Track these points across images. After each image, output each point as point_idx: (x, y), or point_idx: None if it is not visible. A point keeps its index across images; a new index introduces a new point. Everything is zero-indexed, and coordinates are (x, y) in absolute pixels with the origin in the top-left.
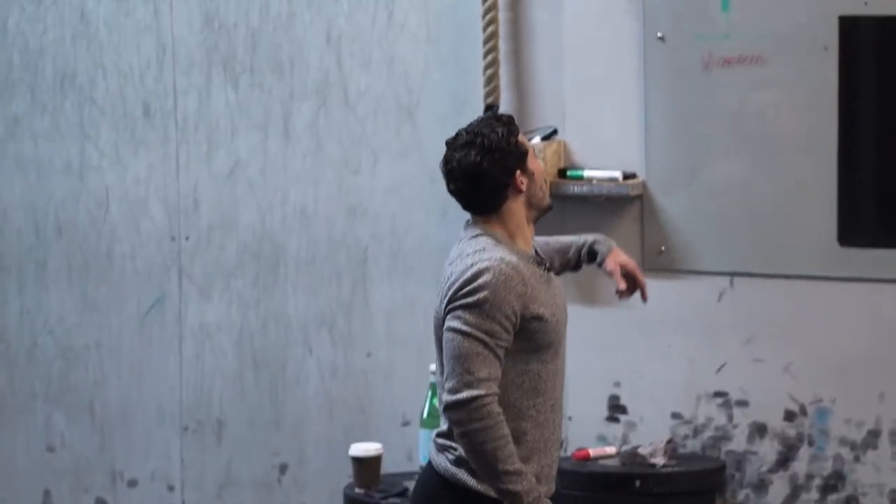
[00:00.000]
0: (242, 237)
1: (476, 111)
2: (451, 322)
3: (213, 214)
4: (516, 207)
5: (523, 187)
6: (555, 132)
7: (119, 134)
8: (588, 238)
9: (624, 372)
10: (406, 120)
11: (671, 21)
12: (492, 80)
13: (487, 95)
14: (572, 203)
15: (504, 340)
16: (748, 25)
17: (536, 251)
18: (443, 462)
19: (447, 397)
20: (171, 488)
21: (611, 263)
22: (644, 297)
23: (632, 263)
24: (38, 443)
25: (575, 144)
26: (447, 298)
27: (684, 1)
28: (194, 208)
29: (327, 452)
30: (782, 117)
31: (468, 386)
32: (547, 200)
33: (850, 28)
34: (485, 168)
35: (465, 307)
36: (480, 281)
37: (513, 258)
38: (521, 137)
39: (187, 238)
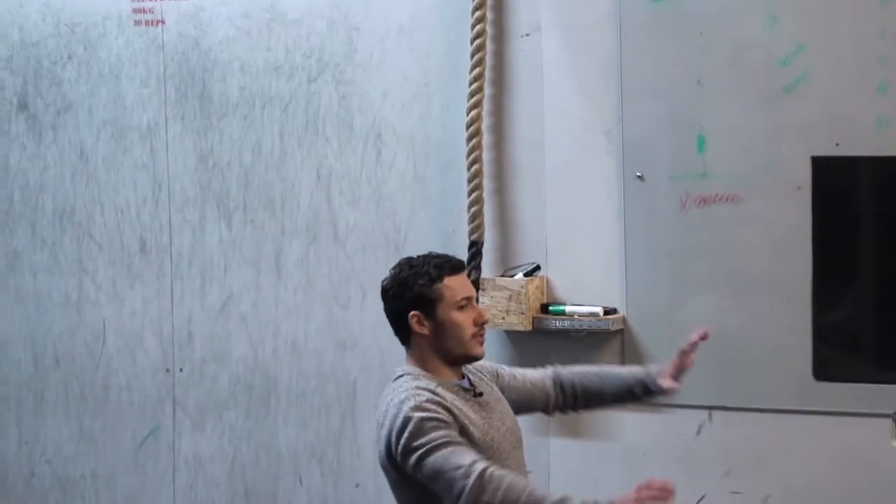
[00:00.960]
0: (235, 369)
1: (461, 247)
2: (413, 459)
3: (207, 347)
4: (424, 345)
5: (422, 330)
6: (537, 268)
7: (116, 268)
8: (638, 372)
9: None
10: (394, 256)
11: (649, 161)
12: (476, 218)
13: (472, 232)
14: (555, 337)
15: (459, 438)
16: (724, 165)
17: (469, 378)
18: None
19: (464, 501)
20: None
21: (666, 382)
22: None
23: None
24: None
25: (557, 280)
26: (398, 450)
27: (662, 142)
28: (188, 341)
29: None
30: (758, 255)
31: (467, 476)
32: (463, 351)
33: (823, 168)
34: (387, 298)
35: (410, 437)
36: (403, 416)
37: (430, 385)
38: (442, 286)
39: (181, 370)
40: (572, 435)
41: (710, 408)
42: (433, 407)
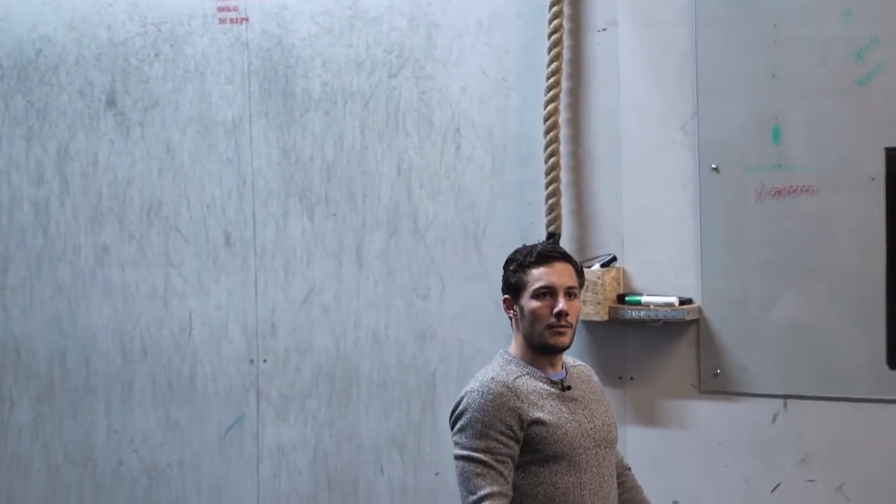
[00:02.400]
0: (317, 360)
1: (539, 239)
2: (453, 450)
3: (290, 338)
4: (516, 330)
5: (510, 313)
6: (614, 259)
7: (202, 261)
8: None
9: (682, 491)
10: (473, 248)
11: (724, 153)
12: (553, 210)
13: (549, 224)
14: (631, 327)
15: (505, 454)
16: (798, 157)
17: (566, 373)
18: None
19: None
20: None
21: None
22: None
23: None
24: None
25: (633, 271)
26: (451, 429)
27: (737, 134)
28: (272, 332)
29: None
30: (832, 245)
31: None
32: (540, 341)
33: None
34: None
35: (459, 431)
36: (464, 404)
37: (508, 376)
38: (526, 273)
39: (265, 361)
40: (649, 423)
41: (786, 397)
42: (493, 411)
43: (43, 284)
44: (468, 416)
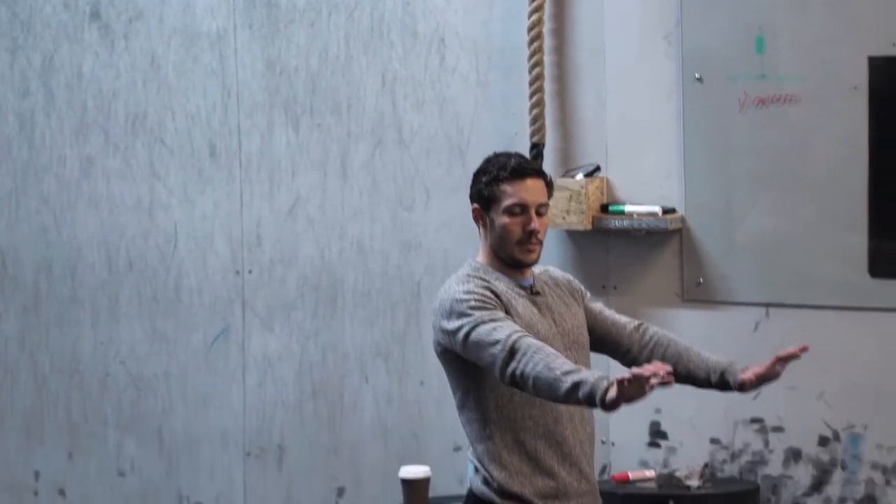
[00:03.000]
0: (302, 271)
1: (523, 150)
2: (460, 338)
3: (275, 249)
4: (485, 240)
5: (479, 223)
6: (597, 169)
7: (187, 173)
8: (722, 363)
9: (664, 399)
10: (457, 159)
11: (708, 63)
12: (537, 120)
13: (533, 134)
14: (614, 237)
15: (502, 317)
16: (782, 67)
17: (533, 280)
18: (475, 482)
19: (501, 375)
20: None
21: (748, 375)
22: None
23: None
24: (110, 468)
25: (617, 181)
26: (447, 331)
27: (721, 44)
28: (257, 243)
29: (382, 477)
30: (815, 154)
31: (503, 347)
32: (509, 255)
33: (880, 68)
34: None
35: (449, 316)
36: (447, 298)
37: (483, 274)
38: (499, 188)
39: (250, 272)
40: None
41: (768, 305)
42: (478, 289)
43: (28, 196)
44: (456, 300)
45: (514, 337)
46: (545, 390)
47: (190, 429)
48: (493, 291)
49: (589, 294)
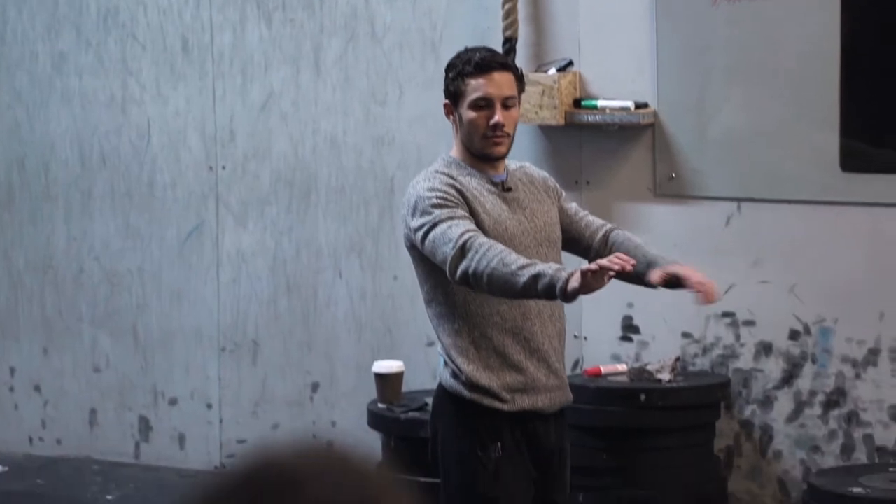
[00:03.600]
0: (276, 166)
1: (495, 44)
2: (419, 236)
3: (248, 145)
4: (456, 134)
5: (450, 118)
6: (570, 64)
7: (159, 68)
8: (656, 257)
9: (636, 293)
10: (430, 53)
11: None
12: (510, 15)
13: (506, 29)
14: (587, 131)
15: (464, 216)
16: None
17: (506, 175)
18: (444, 375)
19: (452, 274)
20: (209, 406)
21: (655, 275)
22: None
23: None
24: (86, 364)
25: (590, 76)
26: (410, 228)
27: None
28: (230, 139)
29: (356, 371)
30: (787, 49)
31: (454, 246)
32: (477, 149)
33: None
34: None
35: (413, 213)
36: (413, 194)
37: (452, 171)
38: (464, 83)
39: (224, 167)
40: None
41: (739, 199)
42: (443, 187)
43: (1, 92)
44: (419, 196)
45: (465, 236)
46: (500, 286)
47: (164, 324)
48: (458, 189)
49: (564, 193)
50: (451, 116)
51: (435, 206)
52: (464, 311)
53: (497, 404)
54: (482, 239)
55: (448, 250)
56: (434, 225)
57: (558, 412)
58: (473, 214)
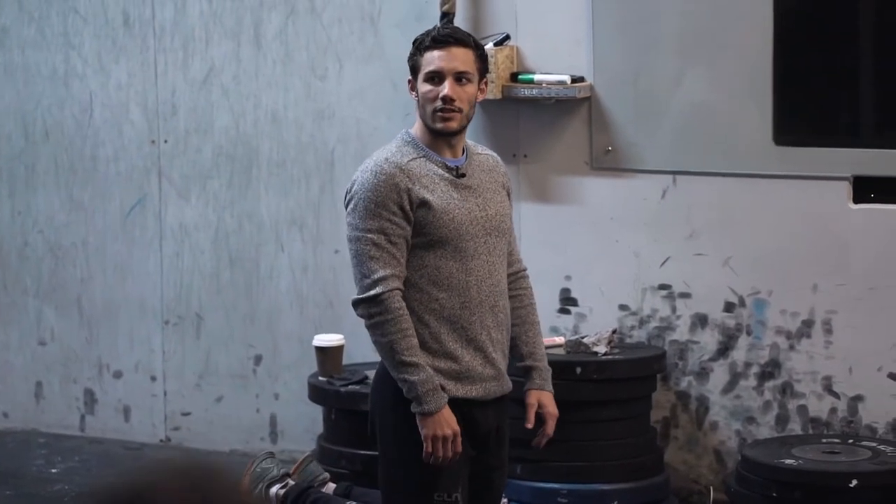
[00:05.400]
0: (218, 140)
1: (433, 19)
2: (346, 231)
3: (190, 119)
4: (417, 112)
5: (412, 95)
6: (507, 38)
7: (101, 42)
8: (538, 362)
9: (574, 266)
10: (369, 27)
11: None
12: None
13: (443, 3)
14: (525, 105)
15: (399, 235)
16: None
17: (464, 160)
18: None
19: (353, 297)
20: (153, 379)
21: (533, 398)
22: (538, 444)
23: (552, 412)
24: (31, 337)
25: (527, 49)
26: (344, 207)
27: None
28: (172, 113)
29: (299, 344)
30: (722, 22)
31: (366, 288)
32: (429, 123)
33: None
34: None
35: (351, 212)
36: (356, 187)
37: (403, 157)
38: (422, 56)
39: (166, 141)
40: (542, 200)
41: (675, 172)
42: (384, 191)
43: None
44: (360, 195)
45: (380, 288)
46: (383, 356)
47: (108, 297)
48: (400, 190)
49: (510, 192)
50: (413, 93)
51: (369, 214)
52: (407, 294)
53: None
54: (393, 303)
55: (361, 283)
56: (359, 238)
57: (498, 398)
58: (422, 204)
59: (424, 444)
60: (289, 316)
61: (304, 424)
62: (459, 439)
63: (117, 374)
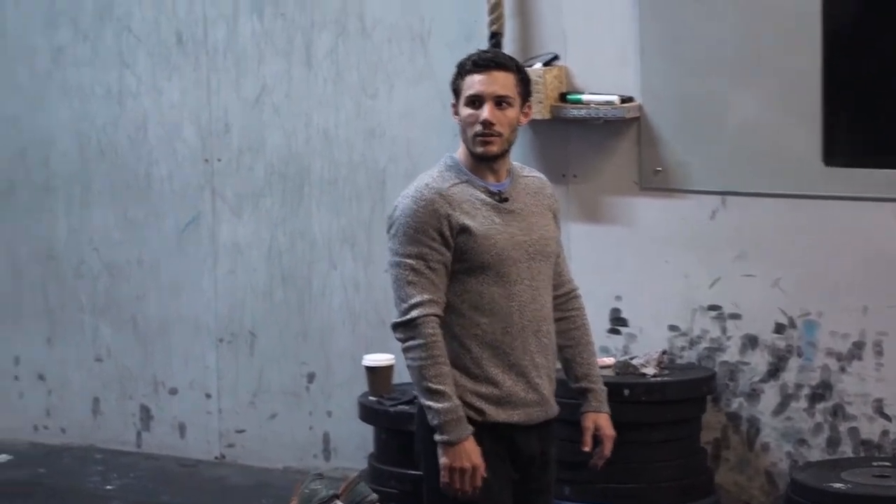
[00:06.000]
0: (270, 159)
1: (483, 39)
2: (389, 257)
3: (243, 137)
4: (461, 135)
5: (455, 119)
6: (556, 58)
7: (154, 61)
8: (593, 383)
9: (624, 286)
10: (419, 47)
11: None
12: (496, 9)
13: (492, 24)
14: (573, 126)
15: (438, 260)
16: None
17: (508, 183)
18: None
19: (393, 329)
20: (208, 396)
21: (589, 420)
22: (595, 465)
23: (609, 434)
24: (87, 354)
25: (575, 69)
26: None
27: None
28: (225, 131)
29: (351, 362)
30: (771, 42)
31: (403, 313)
32: (469, 148)
33: None
34: None
35: (392, 237)
36: (397, 212)
37: (444, 183)
38: (464, 80)
39: (219, 160)
40: (592, 220)
41: (724, 193)
42: (424, 217)
43: (1, 85)
44: (400, 221)
45: (417, 312)
46: (413, 383)
47: (163, 315)
48: (440, 216)
49: (558, 219)
50: (456, 116)
51: (409, 240)
52: (447, 319)
53: (472, 414)
54: (431, 329)
55: (399, 308)
56: (398, 266)
57: (541, 423)
58: (462, 231)
59: (441, 474)
60: (341, 334)
61: (356, 442)
62: (479, 473)
63: (173, 391)
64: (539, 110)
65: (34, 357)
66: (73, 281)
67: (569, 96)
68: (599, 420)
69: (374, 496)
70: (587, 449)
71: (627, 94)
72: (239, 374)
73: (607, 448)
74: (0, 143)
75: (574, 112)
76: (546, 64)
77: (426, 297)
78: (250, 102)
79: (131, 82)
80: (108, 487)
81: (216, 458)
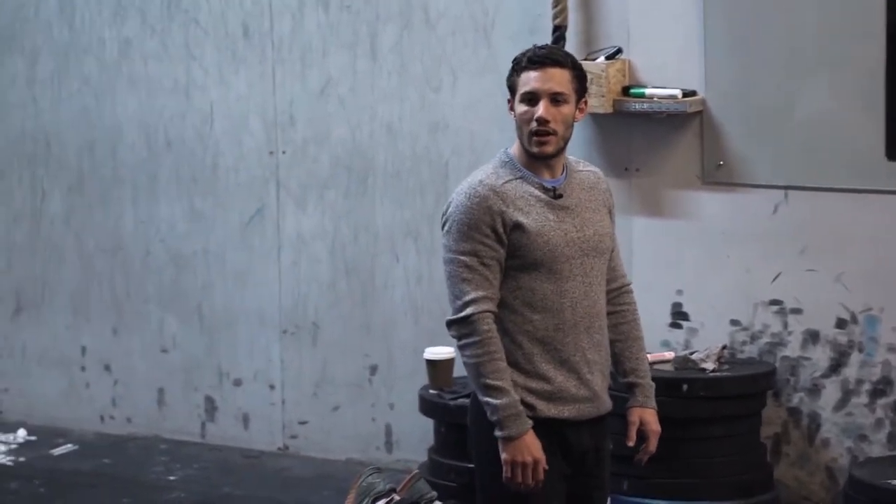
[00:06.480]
0: (334, 151)
1: (546, 32)
2: (443, 253)
3: (308, 129)
4: (517, 132)
5: (511, 115)
6: (619, 51)
7: (221, 53)
8: (641, 378)
9: (686, 280)
10: (482, 40)
11: None
12: (560, 2)
13: (556, 17)
14: (636, 120)
15: (491, 257)
16: None
17: (563, 179)
18: None
19: (447, 326)
20: (272, 387)
21: (635, 415)
22: (639, 461)
23: (654, 429)
24: (153, 344)
25: (638, 63)
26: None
27: None
28: (290, 123)
29: (413, 354)
30: (834, 35)
31: (458, 310)
32: (525, 146)
33: None
34: None
35: (446, 233)
36: (451, 209)
37: (498, 179)
38: (519, 77)
39: (284, 152)
40: (654, 214)
41: (787, 187)
42: (478, 213)
43: (70, 77)
44: (454, 217)
45: (472, 308)
46: (469, 374)
47: (228, 306)
48: (494, 213)
49: (613, 213)
50: (512, 112)
51: (463, 237)
52: (501, 315)
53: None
54: (482, 325)
55: (454, 304)
56: (453, 260)
57: (594, 418)
58: (515, 227)
59: (504, 469)
60: (404, 326)
61: (418, 435)
62: (542, 466)
63: (237, 382)
64: (602, 104)
65: (101, 347)
66: (139, 272)
67: (632, 90)
68: (645, 415)
69: (433, 493)
70: (630, 443)
71: (690, 87)
72: (302, 366)
73: (652, 444)
74: (69, 136)
75: (636, 106)
76: (609, 57)
77: (480, 293)
78: (315, 95)
79: (198, 75)
80: (171, 478)
81: (279, 449)
